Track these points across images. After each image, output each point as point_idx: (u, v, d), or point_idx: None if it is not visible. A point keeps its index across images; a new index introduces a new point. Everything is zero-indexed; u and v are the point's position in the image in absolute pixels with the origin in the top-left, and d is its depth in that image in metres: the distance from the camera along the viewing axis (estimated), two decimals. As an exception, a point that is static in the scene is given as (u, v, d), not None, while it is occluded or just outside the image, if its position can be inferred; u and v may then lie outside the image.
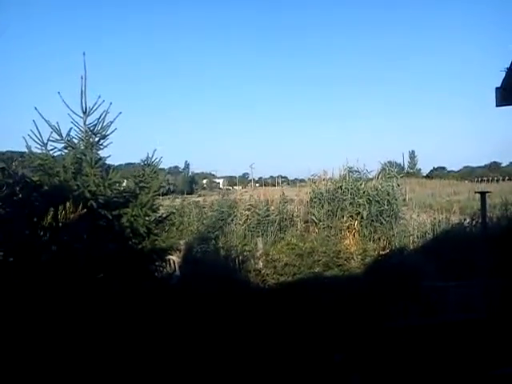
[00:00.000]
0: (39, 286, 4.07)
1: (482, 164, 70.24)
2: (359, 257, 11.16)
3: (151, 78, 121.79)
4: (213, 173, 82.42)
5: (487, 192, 7.08)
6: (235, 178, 78.94)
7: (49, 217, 4.00)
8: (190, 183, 63.12)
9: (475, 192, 7.98)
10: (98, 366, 4.24)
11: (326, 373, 5.54)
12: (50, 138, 5.63)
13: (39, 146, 5.57)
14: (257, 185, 52.64)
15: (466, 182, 52.31)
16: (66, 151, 5.78)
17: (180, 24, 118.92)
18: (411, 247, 13.41)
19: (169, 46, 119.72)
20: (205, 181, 78.27)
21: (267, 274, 9.96)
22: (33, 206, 4.62)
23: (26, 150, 5.57)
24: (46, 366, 3.99)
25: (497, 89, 6.06)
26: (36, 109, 5.55)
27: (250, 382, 5.37)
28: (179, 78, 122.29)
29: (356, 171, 15.49)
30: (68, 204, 4.11)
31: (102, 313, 4.55)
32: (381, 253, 11.79)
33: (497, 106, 6.06)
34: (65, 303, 4.32)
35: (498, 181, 44.89)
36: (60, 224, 4.07)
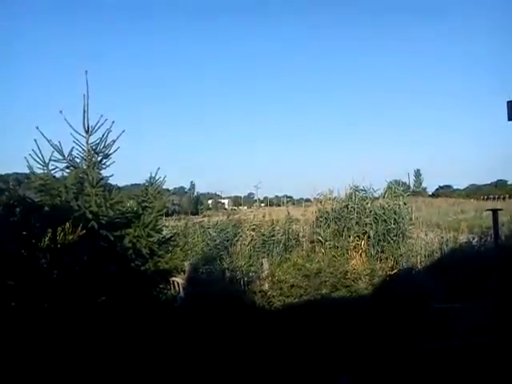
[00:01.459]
0: (38, 310, 3.94)
1: (488, 182, 69.90)
2: (367, 277, 10.94)
3: (154, 99, 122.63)
4: (218, 193, 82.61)
5: (499, 209, 6.92)
6: (240, 198, 79.10)
7: (46, 238, 3.90)
8: (195, 204, 63.15)
9: (486, 210, 7.82)
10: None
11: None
12: (52, 158, 5.56)
13: (41, 166, 5.49)
14: (262, 204, 52.63)
15: (472, 200, 51.99)
16: (68, 171, 5.71)
17: (181, 44, 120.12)
18: (419, 266, 13.23)
19: (169, 68, 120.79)
20: (210, 201, 78.33)
21: (273, 296, 9.76)
22: (32, 227, 4.51)
23: (28, 171, 5.50)
24: None
25: (508, 103, 5.97)
26: (37, 128, 5.49)
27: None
28: (183, 98, 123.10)
29: (362, 190, 15.33)
30: (67, 225, 4.00)
31: (103, 337, 4.42)
32: (389, 273, 11.57)
33: (509, 119, 5.96)
34: (65, 327, 4.19)
35: (504, 199, 44.64)
36: (59, 245, 3.96)
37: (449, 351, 6.23)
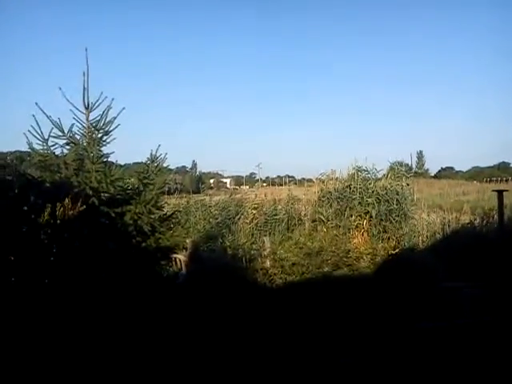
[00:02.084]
0: (37, 285, 3.92)
1: (491, 164, 69.63)
2: (369, 256, 10.94)
3: (157, 77, 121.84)
4: (220, 172, 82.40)
5: (505, 190, 6.85)
6: (242, 177, 78.93)
7: (46, 213, 3.85)
8: (197, 183, 62.88)
9: (492, 190, 7.74)
10: (101, 368, 4.09)
11: (331, 375, 5.38)
12: (52, 134, 5.49)
13: (40, 142, 5.43)
14: (264, 184, 52.49)
15: (475, 182, 51.88)
16: (68, 147, 5.65)
17: (184, 19, 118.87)
18: (421, 246, 13.24)
19: (172, 44, 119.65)
20: (212, 180, 78.14)
21: (275, 274, 9.78)
22: (31, 202, 4.47)
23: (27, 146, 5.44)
24: (45, 366, 3.84)
25: None
26: (37, 104, 5.41)
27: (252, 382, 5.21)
28: (185, 76, 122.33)
29: (365, 170, 15.25)
30: (67, 200, 3.96)
31: (104, 313, 4.40)
32: (390, 252, 11.57)
33: None
34: (65, 303, 4.18)
35: (507, 181, 44.55)
36: (58, 221, 3.92)
37: (451, 330, 6.23)
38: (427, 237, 13.89)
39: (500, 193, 6.37)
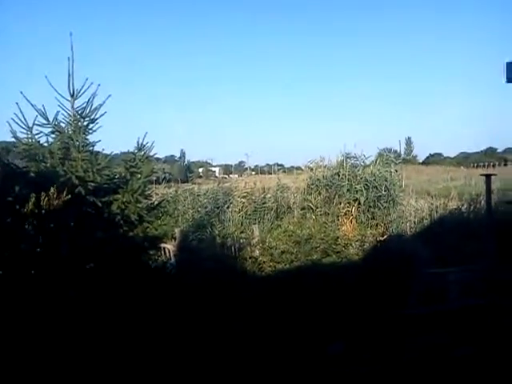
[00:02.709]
0: (22, 277, 3.87)
1: (479, 150, 70.13)
2: (357, 243, 10.99)
3: (144, 65, 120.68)
4: (209, 161, 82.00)
5: (493, 174, 6.88)
6: (231, 166, 78.61)
7: (30, 203, 3.79)
8: (186, 172, 62.69)
9: (480, 174, 7.78)
10: (88, 361, 4.05)
11: (320, 362, 5.41)
12: (36, 122, 5.38)
13: (24, 131, 5.33)
14: (253, 173, 52.41)
15: (462, 167, 52.22)
16: (53, 136, 5.55)
17: (173, 6, 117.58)
18: (409, 233, 13.32)
19: (161, 34, 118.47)
20: (201, 169, 77.82)
21: (264, 262, 9.79)
22: (16, 193, 4.40)
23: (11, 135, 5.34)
24: (32, 356, 3.81)
25: (509, 64, 5.77)
26: (21, 92, 5.31)
27: (243, 372, 5.21)
28: (173, 65, 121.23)
29: (353, 157, 15.31)
30: (52, 190, 3.89)
31: (91, 303, 4.37)
32: (379, 239, 11.63)
33: (508, 81, 5.78)
34: (52, 294, 4.13)
35: (494, 166, 44.91)
36: (43, 211, 3.86)
37: (438, 315, 6.28)
38: (415, 223, 13.97)
39: (488, 177, 6.40)
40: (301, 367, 5.24)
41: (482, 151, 69.31)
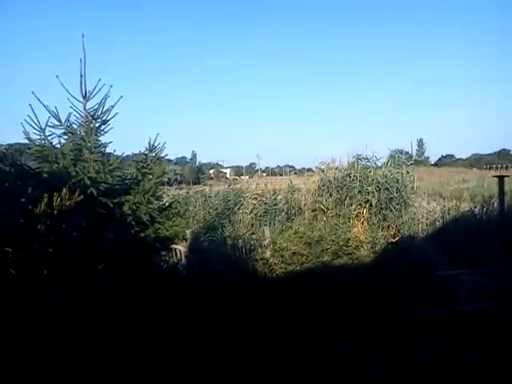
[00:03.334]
0: (36, 276, 3.90)
1: (492, 151, 69.48)
2: (369, 245, 10.95)
3: (157, 69, 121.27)
4: (220, 163, 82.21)
5: (506, 176, 6.78)
6: (242, 167, 78.89)
7: (42, 204, 3.82)
8: (197, 173, 62.89)
9: (493, 176, 7.69)
10: (95, 363, 4.06)
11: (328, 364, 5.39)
12: (49, 124, 5.41)
13: (37, 132, 5.36)
14: (264, 174, 52.47)
15: (475, 169, 51.81)
16: (65, 137, 5.59)
17: (185, 9, 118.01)
18: (421, 235, 13.21)
19: (172, 35, 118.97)
20: (212, 171, 78.05)
21: (275, 263, 9.78)
22: (29, 193, 4.43)
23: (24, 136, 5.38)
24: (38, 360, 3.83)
25: None
26: (33, 93, 5.35)
27: (250, 372, 5.21)
28: (185, 67, 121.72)
29: (365, 159, 15.24)
30: (64, 190, 3.92)
31: (102, 304, 4.39)
32: (390, 240, 11.57)
33: None
34: (65, 293, 4.16)
35: (507, 168, 44.47)
36: (55, 211, 3.89)
37: (450, 317, 6.22)
38: (427, 225, 13.86)
39: (501, 178, 6.32)
40: (308, 368, 5.23)
41: (495, 153, 68.71)
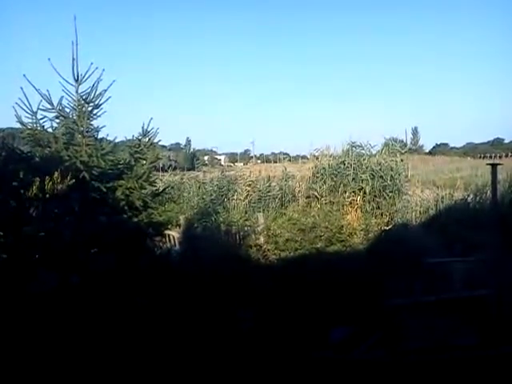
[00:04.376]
0: (28, 260, 3.87)
1: (486, 140, 69.69)
2: (362, 232, 10.97)
3: (151, 54, 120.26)
4: (214, 149, 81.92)
5: (498, 164, 6.79)
6: (236, 154, 78.61)
7: (34, 188, 3.78)
8: (191, 160, 62.58)
9: (487, 164, 7.70)
10: (87, 349, 4.05)
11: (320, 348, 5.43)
12: (41, 107, 5.35)
13: (29, 115, 5.30)
14: (258, 161, 52.37)
15: (469, 158, 51.93)
16: (57, 121, 5.52)
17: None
18: (414, 223, 13.25)
19: (167, 18, 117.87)
20: (206, 157, 77.65)
21: (268, 250, 9.80)
22: (20, 177, 4.38)
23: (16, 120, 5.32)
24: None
25: None
26: (25, 76, 5.27)
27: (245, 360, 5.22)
28: (179, 52, 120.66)
29: (359, 146, 15.26)
30: (56, 174, 3.88)
31: (95, 288, 4.37)
32: (384, 228, 11.60)
33: None
34: (56, 277, 4.14)
35: (500, 157, 44.57)
36: (47, 195, 3.85)
37: (440, 304, 6.27)
38: (420, 213, 13.89)
39: (494, 166, 6.32)
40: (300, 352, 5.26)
41: (489, 142, 68.92)
